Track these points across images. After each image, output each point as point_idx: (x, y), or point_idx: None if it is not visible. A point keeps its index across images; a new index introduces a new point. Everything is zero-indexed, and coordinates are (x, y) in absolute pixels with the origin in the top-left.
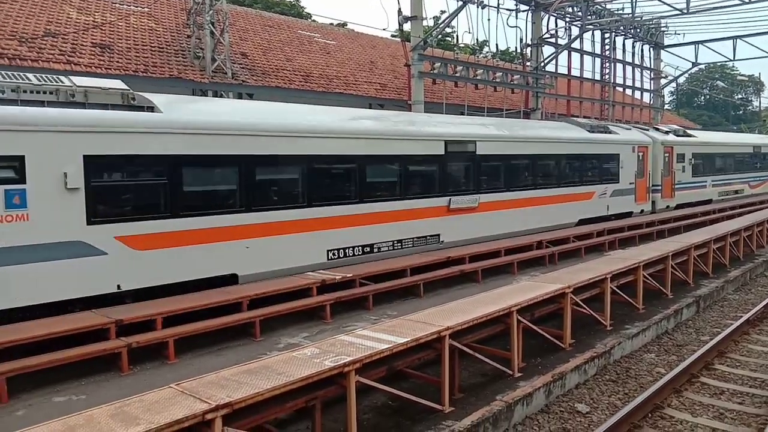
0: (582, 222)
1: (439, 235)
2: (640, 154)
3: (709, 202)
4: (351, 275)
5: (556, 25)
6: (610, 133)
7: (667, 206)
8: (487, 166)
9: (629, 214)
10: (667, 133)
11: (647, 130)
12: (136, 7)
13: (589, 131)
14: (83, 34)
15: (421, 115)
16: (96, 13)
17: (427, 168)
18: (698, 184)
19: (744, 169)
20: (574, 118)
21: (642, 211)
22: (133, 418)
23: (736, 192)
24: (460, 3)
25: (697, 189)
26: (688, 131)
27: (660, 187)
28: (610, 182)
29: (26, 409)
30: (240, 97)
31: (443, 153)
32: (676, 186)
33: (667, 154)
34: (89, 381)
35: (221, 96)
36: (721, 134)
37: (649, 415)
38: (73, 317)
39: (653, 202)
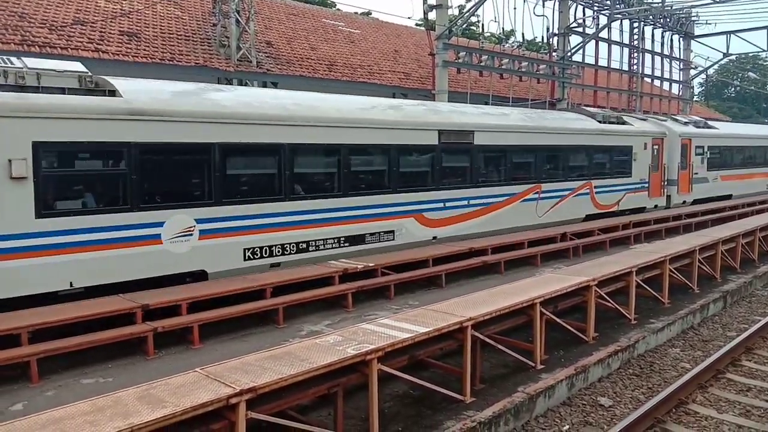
0: None
1: None
2: None
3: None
4: (373, 264)
5: (584, 14)
6: None
7: None
8: None
9: None
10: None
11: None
12: None
13: None
14: (111, 22)
15: None
16: (124, 2)
17: None
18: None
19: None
20: None
21: None
22: (159, 400)
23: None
24: None
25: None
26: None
27: None
28: None
29: (56, 390)
30: (264, 85)
31: None
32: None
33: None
34: (116, 364)
35: (245, 84)
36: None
37: (673, 410)
38: (101, 301)
39: None
